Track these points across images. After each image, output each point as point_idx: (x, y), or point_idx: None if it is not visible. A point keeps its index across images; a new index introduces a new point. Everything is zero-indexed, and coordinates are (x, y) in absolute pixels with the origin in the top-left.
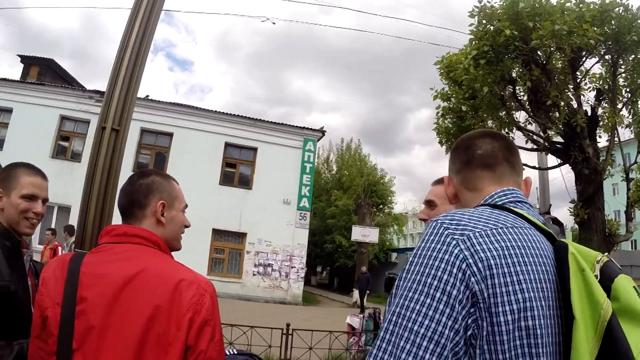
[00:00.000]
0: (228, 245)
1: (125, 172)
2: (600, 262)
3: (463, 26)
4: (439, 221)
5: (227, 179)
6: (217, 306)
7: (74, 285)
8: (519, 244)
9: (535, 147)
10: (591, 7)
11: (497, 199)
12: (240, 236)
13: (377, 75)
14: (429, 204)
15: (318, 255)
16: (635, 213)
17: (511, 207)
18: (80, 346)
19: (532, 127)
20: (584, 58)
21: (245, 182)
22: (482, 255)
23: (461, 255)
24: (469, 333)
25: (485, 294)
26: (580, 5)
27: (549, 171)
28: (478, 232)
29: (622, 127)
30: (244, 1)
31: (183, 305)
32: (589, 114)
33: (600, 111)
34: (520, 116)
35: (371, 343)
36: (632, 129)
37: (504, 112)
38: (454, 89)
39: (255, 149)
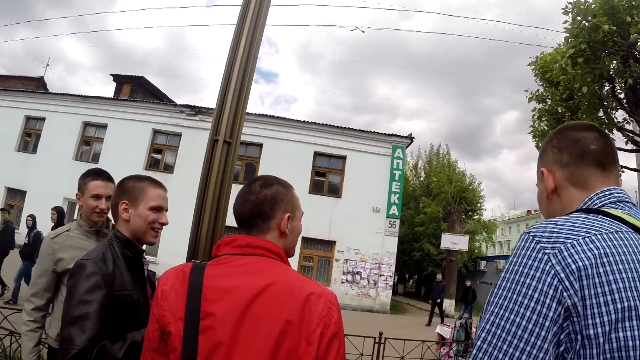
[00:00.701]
0: (317, 253)
1: (232, 183)
2: None
3: (547, 23)
4: (532, 234)
5: (316, 188)
6: (342, 319)
7: (196, 300)
8: (613, 250)
9: (635, 147)
10: None
11: (596, 201)
12: (330, 244)
13: (461, 79)
14: None
15: (406, 263)
16: None
17: (607, 210)
18: None
19: (630, 126)
20: None
21: (335, 191)
22: (574, 266)
23: (552, 272)
24: (561, 348)
25: (579, 307)
26: None
27: None
28: (570, 242)
29: None
30: (324, 10)
31: (313, 320)
32: None
33: None
34: (618, 116)
35: (462, 354)
36: None
37: (602, 112)
38: (549, 90)
39: (344, 158)
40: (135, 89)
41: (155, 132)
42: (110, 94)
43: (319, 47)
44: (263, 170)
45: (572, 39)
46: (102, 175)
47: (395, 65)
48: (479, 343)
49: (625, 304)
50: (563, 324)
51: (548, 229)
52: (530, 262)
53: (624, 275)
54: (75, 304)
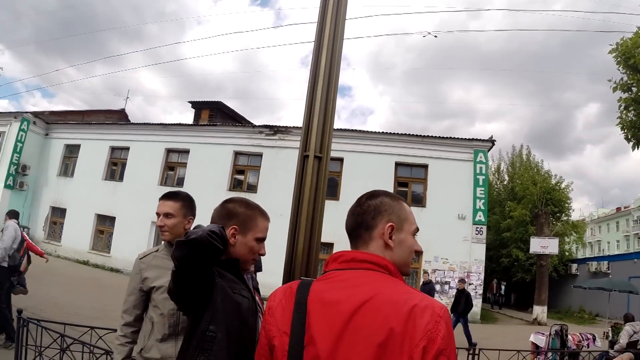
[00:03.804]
0: None
1: (325, 198)
2: None
3: (618, 7)
4: None
5: None
6: (452, 334)
7: (302, 315)
8: None
9: None
10: None
11: None
12: (417, 255)
13: (537, 74)
14: None
15: (494, 270)
16: None
17: None
18: None
19: None
20: None
21: (419, 200)
22: None
23: None
24: None
25: None
26: None
27: None
28: None
29: None
30: (392, 19)
31: (417, 333)
32: None
33: None
34: None
35: None
36: None
37: None
38: (634, 77)
39: (425, 166)
40: (213, 114)
41: (237, 154)
42: (190, 120)
43: (390, 57)
44: (345, 184)
45: None
46: (167, 195)
47: (468, 67)
48: None
49: None
50: None
51: None
52: None
53: None
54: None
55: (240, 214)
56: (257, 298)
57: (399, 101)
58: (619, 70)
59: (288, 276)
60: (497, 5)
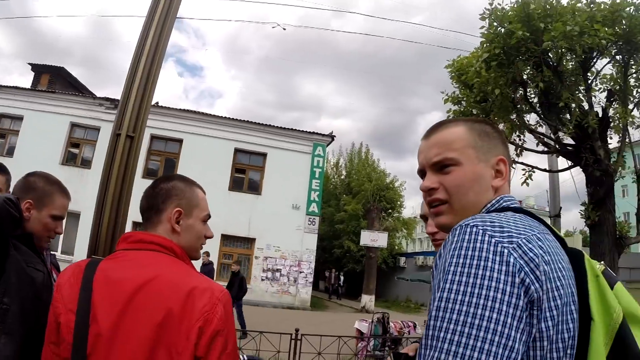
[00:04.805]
0: (237, 251)
1: (134, 178)
2: (599, 270)
3: (473, 29)
4: (480, 227)
5: (236, 185)
6: (231, 316)
7: (88, 292)
8: (554, 250)
9: (546, 149)
10: (602, 7)
11: (509, 202)
12: (249, 241)
13: (388, 79)
14: None
15: (326, 260)
16: None
17: (531, 211)
18: (91, 353)
19: (542, 129)
20: (595, 59)
21: (255, 188)
22: (537, 260)
23: (517, 265)
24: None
25: (541, 302)
26: (592, 5)
27: (560, 173)
28: (524, 237)
29: (633, 128)
30: (254, 5)
31: (194, 314)
32: (600, 115)
33: (611, 112)
34: (531, 119)
35: (379, 348)
36: None
37: (514, 115)
38: (465, 92)
39: (264, 155)
40: (53, 80)
41: (73, 126)
42: (29, 84)
43: (247, 42)
44: (182, 166)
45: (488, 44)
46: None
47: (323, 63)
48: (438, 344)
49: (564, 299)
50: (527, 315)
51: (497, 224)
52: (490, 255)
53: (564, 273)
54: None
55: (38, 189)
56: (54, 274)
57: (249, 87)
58: (452, 84)
59: (92, 253)
60: (361, 7)
